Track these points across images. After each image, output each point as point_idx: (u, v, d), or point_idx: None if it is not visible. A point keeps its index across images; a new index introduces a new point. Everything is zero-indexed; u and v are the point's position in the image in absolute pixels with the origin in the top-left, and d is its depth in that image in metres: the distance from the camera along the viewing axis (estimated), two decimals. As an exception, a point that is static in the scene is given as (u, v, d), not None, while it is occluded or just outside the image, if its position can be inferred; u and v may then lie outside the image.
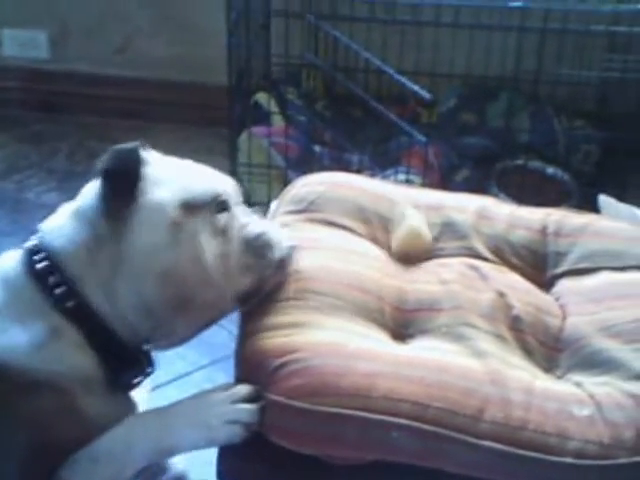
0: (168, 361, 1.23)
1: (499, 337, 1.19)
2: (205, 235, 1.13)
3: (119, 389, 1.16)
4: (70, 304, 1.11)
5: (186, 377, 1.75)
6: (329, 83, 2.60)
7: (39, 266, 1.12)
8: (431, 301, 1.24)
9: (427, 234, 1.37)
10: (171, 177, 1.15)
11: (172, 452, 1.12)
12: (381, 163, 2.35)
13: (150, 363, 1.20)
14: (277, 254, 1.20)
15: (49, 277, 1.12)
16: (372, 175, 2.23)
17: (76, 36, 2.76)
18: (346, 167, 2.26)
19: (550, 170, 2.39)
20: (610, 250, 1.34)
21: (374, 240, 1.37)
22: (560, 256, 1.36)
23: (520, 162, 2.34)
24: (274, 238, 1.20)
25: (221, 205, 1.16)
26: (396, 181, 2.17)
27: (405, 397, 1.07)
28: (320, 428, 1.07)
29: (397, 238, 1.37)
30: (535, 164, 2.37)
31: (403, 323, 1.23)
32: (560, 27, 2.12)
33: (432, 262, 1.34)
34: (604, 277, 1.30)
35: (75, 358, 1.11)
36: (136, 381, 1.18)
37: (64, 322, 1.11)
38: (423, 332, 1.21)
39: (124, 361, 1.15)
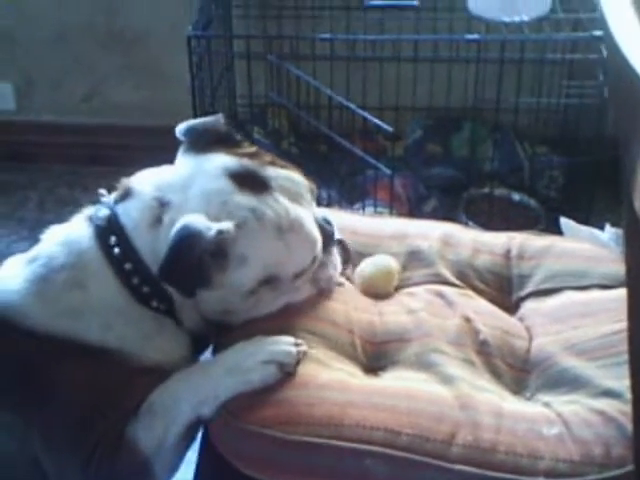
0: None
1: (467, 362, 1.20)
2: (277, 294, 1.20)
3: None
4: (157, 304, 1.17)
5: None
6: (294, 121, 2.63)
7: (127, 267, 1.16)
8: (400, 331, 1.25)
9: (395, 273, 1.37)
10: (258, 251, 1.15)
11: (214, 401, 1.11)
12: (349, 197, 2.37)
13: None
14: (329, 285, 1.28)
15: (143, 288, 1.16)
16: (341, 209, 2.25)
17: (41, 87, 2.78)
18: (315, 203, 2.27)
19: (516, 197, 2.43)
20: (572, 270, 1.36)
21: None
22: (524, 278, 1.38)
23: (486, 190, 2.38)
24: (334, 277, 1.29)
25: (300, 274, 1.20)
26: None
27: (377, 425, 1.07)
28: (293, 458, 1.07)
29: (364, 276, 1.36)
30: (501, 191, 2.41)
31: (374, 356, 1.23)
32: (518, 57, 2.16)
33: (400, 292, 1.36)
34: (567, 297, 1.32)
35: (175, 347, 1.20)
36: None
37: (162, 318, 1.18)
38: (394, 363, 1.22)
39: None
